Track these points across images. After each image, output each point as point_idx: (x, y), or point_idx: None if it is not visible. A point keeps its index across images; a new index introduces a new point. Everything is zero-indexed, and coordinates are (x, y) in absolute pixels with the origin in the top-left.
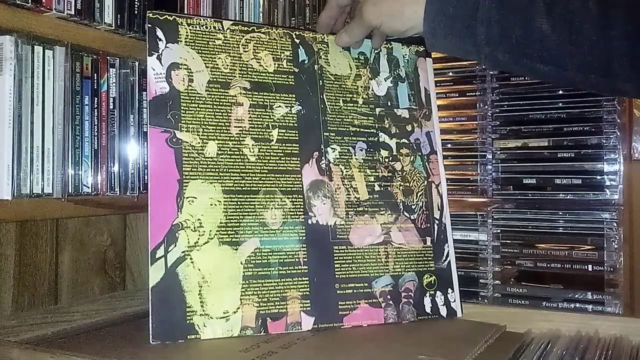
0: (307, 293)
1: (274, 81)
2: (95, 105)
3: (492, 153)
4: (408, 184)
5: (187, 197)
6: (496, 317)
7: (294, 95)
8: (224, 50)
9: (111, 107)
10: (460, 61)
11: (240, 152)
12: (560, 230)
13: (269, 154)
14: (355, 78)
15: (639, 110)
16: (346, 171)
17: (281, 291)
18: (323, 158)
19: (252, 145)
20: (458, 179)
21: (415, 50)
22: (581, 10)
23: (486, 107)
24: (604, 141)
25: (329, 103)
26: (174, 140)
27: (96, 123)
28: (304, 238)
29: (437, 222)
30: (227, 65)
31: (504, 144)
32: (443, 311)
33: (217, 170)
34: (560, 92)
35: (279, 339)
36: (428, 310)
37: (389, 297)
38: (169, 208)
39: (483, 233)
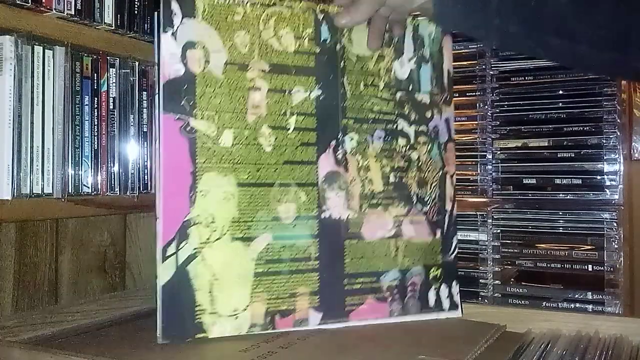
0: (317, 289)
1: (294, 63)
2: (95, 105)
3: (492, 153)
4: (423, 175)
5: (200, 191)
6: (496, 317)
7: (314, 78)
8: (243, 27)
9: (111, 107)
10: (460, 61)
11: (256, 142)
12: (560, 230)
13: (285, 143)
14: (378, 59)
15: (639, 110)
16: (363, 161)
17: (291, 287)
18: (340, 147)
19: (269, 134)
20: (458, 179)
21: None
22: None
23: (486, 107)
24: (604, 141)
25: (349, 87)
26: (188, 129)
27: (96, 123)
28: (317, 232)
29: (447, 214)
30: (246, 45)
31: (504, 144)
32: (446, 304)
33: (232, 161)
34: (560, 92)
35: (279, 338)
36: (432, 304)
37: (395, 291)
38: (182, 203)
39: (483, 233)
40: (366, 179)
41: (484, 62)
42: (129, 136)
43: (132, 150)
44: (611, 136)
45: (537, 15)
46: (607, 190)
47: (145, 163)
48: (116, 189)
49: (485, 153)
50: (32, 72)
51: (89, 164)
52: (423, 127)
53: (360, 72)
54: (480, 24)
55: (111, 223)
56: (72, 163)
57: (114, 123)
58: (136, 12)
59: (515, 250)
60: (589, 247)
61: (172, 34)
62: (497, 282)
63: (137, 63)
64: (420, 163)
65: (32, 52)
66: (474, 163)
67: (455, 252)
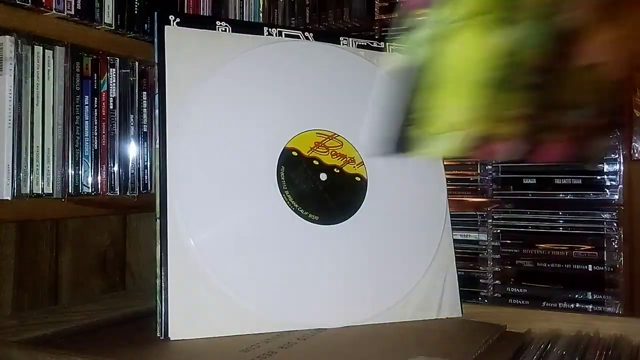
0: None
1: None
2: (95, 105)
3: None
4: None
5: None
6: (496, 317)
7: None
8: None
9: (111, 107)
10: None
11: None
12: (560, 230)
13: None
14: None
15: (639, 110)
16: None
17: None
18: None
19: None
20: (458, 179)
21: None
22: None
23: None
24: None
25: None
26: None
27: (96, 123)
28: None
29: None
30: None
31: None
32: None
33: None
34: None
35: (279, 338)
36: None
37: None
38: None
39: (483, 233)
40: None
41: None
42: (129, 136)
43: (132, 150)
44: (611, 136)
45: None
46: (607, 190)
47: (145, 163)
48: (116, 189)
49: None
50: (32, 72)
51: (89, 164)
52: None
53: None
54: None
55: (111, 223)
56: (72, 163)
57: (114, 123)
58: (136, 12)
59: (515, 250)
60: (589, 247)
61: None
62: (497, 282)
63: (137, 63)
64: None
65: (32, 52)
66: (474, 163)
67: None
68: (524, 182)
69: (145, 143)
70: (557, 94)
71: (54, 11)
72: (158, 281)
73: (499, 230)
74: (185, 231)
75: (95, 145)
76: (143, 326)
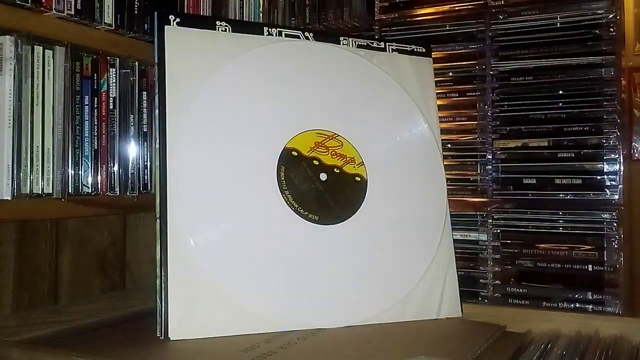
0: None
1: None
2: (95, 105)
3: (492, 153)
4: None
5: None
6: (496, 317)
7: None
8: None
9: (111, 107)
10: (460, 61)
11: None
12: (560, 230)
13: None
14: None
15: (639, 110)
16: None
17: None
18: None
19: None
20: (458, 179)
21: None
22: None
23: (486, 107)
24: (604, 141)
25: None
26: None
27: (96, 123)
28: None
29: None
30: None
31: (504, 144)
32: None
33: None
34: (560, 92)
35: (279, 338)
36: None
37: None
38: None
39: (483, 233)
40: None
41: (484, 62)
42: (129, 136)
43: (132, 150)
44: (611, 136)
45: None
46: (607, 190)
47: (145, 163)
48: (116, 189)
49: (485, 153)
50: (32, 72)
51: (89, 164)
52: None
53: None
54: None
55: (111, 223)
56: (72, 163)
57: (114, 123)
58: (136, 12)
59: (515, 250)
60: (589, 247)
61: None
62: (497, 282)
63: (137, 63)
64: None
65: (32, 52)
66: (474, 163)
67: None
68: (524, 182)
69: (145, 143)
70: None
71: (53, 11)
72: (158, 281)
73: (499, 230)
74: (185, 231)
75: (95, 145)
76: (143, 326)
